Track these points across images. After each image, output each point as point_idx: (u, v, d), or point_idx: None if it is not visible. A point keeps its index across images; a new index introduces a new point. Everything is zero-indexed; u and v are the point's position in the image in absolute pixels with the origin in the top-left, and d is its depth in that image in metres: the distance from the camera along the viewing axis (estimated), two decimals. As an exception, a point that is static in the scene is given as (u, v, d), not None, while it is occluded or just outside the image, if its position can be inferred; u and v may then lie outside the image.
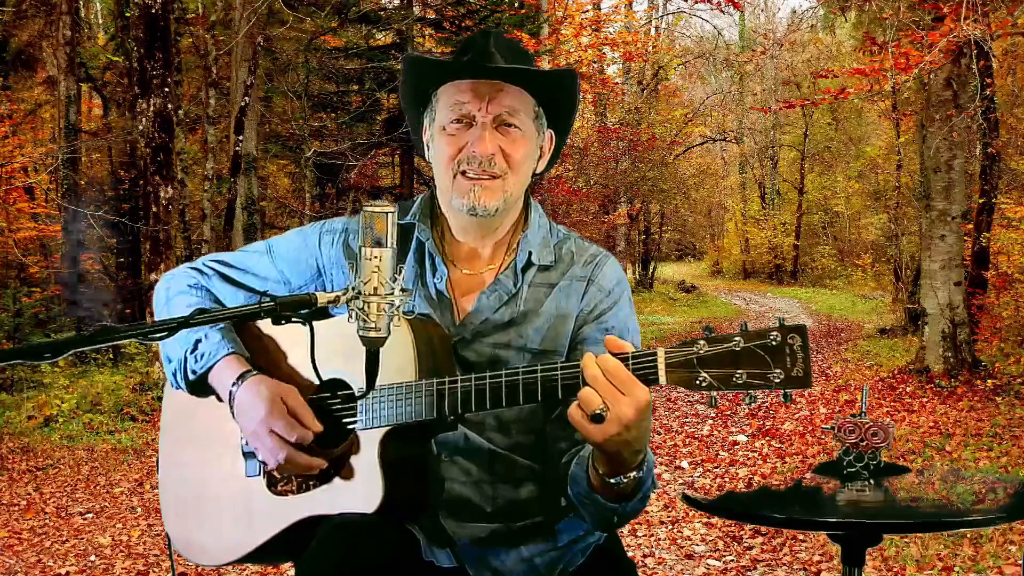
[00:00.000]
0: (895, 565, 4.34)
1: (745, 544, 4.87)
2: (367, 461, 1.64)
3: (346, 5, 13.69)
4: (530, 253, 1.80)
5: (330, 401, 1.73)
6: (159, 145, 9.65)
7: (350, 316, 1.39)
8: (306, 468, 1.67)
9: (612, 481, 1.51)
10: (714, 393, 1.41)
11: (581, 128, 21.60)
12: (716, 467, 6.77)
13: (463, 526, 1.73)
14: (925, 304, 9.79)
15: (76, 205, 12.12)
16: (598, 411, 1.41)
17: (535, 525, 1.75)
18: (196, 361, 1.76)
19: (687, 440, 7.83)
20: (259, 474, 1.76)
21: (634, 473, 1.51)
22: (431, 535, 1.73)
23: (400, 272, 1.38)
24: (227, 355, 1.74)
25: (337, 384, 1.70)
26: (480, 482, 1.73)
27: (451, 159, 1.74)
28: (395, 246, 1.38)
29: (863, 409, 2.04)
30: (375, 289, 1.36)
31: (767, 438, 7.68)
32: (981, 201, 11.29)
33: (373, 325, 1.37)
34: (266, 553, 1.77)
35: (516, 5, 15.53)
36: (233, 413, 1.72)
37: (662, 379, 1.43)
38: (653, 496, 1.75)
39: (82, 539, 5.55)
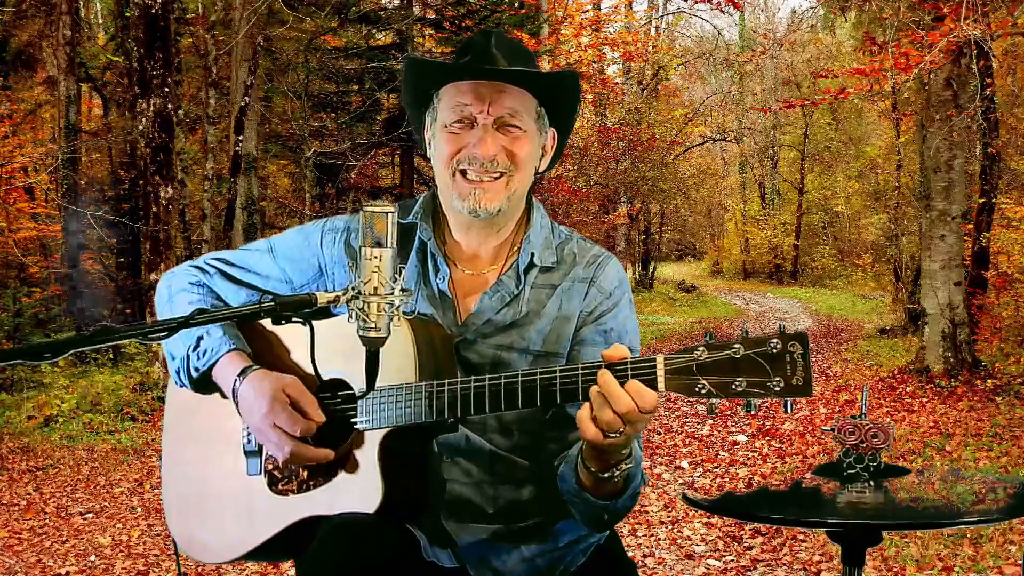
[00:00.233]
0: (895, 565, 4.34)
1: (745, 544, 4.87)
2: (367, 461, 1.64)
3: (346, 5, 13.67)
4: (532, 254, 1.79)
5: (330, 401, 1.72)
6: (159, 145, 9.65)
7: (350, 316, 1.39)
8: (313, 460, 1.67)
9: (605, 476, 1.53)
10: (713, 400, 1.41)
11: (581, 128, 21.58)
12: (716, 467, 6.77)
13: (464, 527, 1.73)
14: (925, 304, 9.79)
15: (76, 205, 12.12)
16: (616, 433, 1.44)
17: (536, 526, 1.75)
18: (199, 358, 1.76)
19: (687, 440, 7.83)
20: (260, 473, 1.76)
21: (624, 465, 1.53)
22: (432, 535, 1.73)
23: (401, 272, 1.38)
24: (229, 351, 1.74)
25: (337, 384, 1.70)
26: (481, 483, 1.73)
27: (451, 157, 1.74)
28: (395, 246, 1.38)
29: (863, 410, 2.03)
30: (375, 289, 1.36)
31: (767, 438, 7.68)
32: (981, 201, 11.29)
33: (373, 325, 1.37)
34: (267, 551, 1.77)
35: (516, 5, 15.51)
36: (238, 409, 1.72)
37: (661, 386, 1.43)
38: (653, 496, 1.76)
39: (82, 539, 5.55)
